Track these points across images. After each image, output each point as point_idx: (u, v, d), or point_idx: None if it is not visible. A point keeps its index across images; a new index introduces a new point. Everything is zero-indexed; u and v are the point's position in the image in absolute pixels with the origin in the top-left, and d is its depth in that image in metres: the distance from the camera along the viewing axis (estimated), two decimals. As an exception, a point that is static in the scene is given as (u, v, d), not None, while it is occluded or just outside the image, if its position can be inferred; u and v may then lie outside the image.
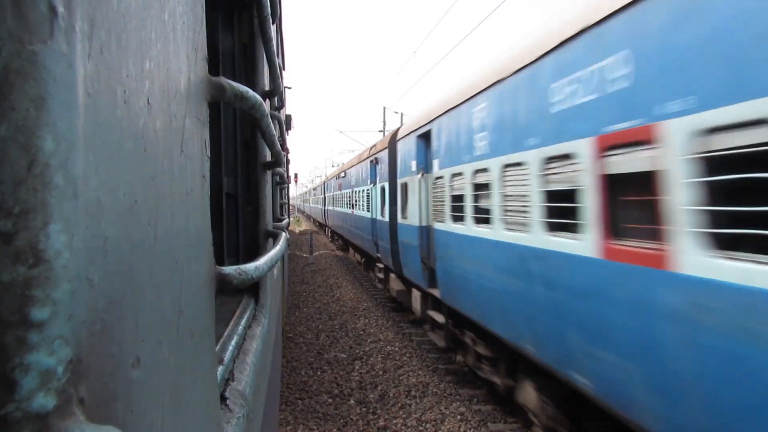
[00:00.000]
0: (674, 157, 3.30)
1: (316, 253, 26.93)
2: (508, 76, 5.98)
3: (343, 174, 23.75)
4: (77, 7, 0.37)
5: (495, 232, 6.34)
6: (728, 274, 2.92)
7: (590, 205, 4.30)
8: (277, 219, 3.80)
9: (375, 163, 15.06)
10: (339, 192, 25.13)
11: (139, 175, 0.52)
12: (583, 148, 4.37)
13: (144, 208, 0.53)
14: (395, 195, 11.90)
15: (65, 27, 0.36)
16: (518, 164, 5.71)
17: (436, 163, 8.90)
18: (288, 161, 11.75)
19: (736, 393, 2.88)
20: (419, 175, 9.75)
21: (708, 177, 3.07)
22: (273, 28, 2.39)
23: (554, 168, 4.99)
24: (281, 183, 4.61)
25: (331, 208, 30.01)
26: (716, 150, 3.01)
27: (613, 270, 4.02)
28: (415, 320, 12.31)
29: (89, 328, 0.38)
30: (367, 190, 16.39)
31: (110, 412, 0.41)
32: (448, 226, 8.16)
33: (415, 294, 11.30)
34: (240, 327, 1.55)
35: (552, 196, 5.05)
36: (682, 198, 3.25)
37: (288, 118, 10.49)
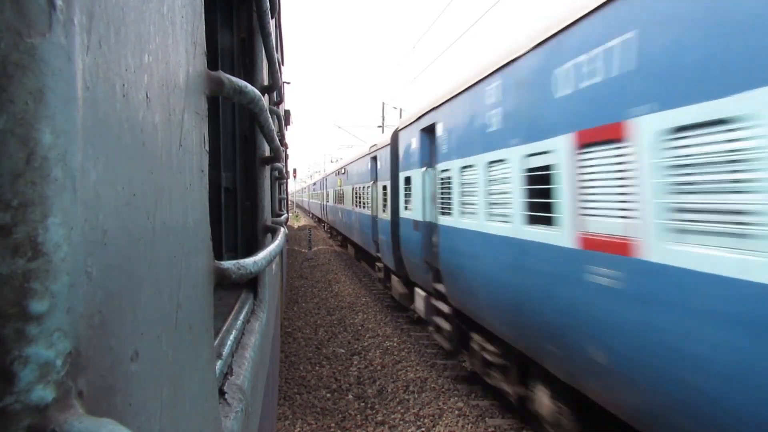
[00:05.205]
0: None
1: (315, 248, 26.95)
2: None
3: (315, 182, 49.39)
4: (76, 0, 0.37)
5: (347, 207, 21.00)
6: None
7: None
8: (275, 214, 3.80)
9: (323, 180, 33.76)
10: (315, 191, 48.47)
11: (138, 169, 0.52)
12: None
13: (142, 201, 0.53)
14: (328, 194, 29.17)
15: (64, 20, 0.35)
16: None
17: (345, 182, 23.45)
18: (287, 156, 11.76)
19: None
20: (339, 188, 26.13)
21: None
22: (272, 23, 2.38)
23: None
24: (280, 178, 4.61)
25: (310, 200, 58.36)
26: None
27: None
28: (409, 313, 12.41)
29: (88, 321, 0.38)
30: (322, 192, 35.37)
31: (109, 405, 0.42)
32: (337, 205, 24.94)
33: (330, 229, 32.23)
34: (238, 321, 1.55)
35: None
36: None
37: (287, 113, 10.48)
